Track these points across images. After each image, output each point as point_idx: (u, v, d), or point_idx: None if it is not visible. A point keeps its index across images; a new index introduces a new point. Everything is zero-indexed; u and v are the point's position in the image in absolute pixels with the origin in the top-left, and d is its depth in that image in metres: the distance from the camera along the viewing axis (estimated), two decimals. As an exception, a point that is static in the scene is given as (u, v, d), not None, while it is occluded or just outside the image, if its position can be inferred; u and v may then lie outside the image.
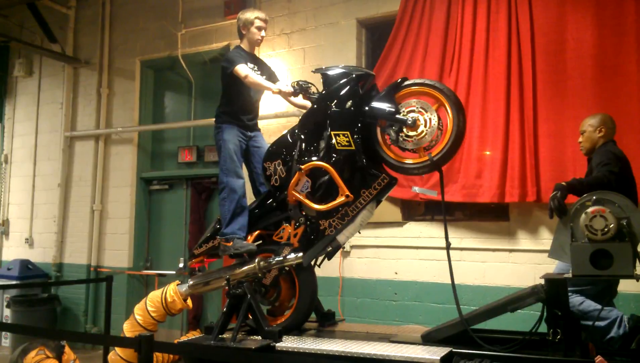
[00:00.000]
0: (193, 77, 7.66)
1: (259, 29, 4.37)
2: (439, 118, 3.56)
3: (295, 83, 4.00)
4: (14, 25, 8.88)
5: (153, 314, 4.29)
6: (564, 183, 3.42)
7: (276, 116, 6.47)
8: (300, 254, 3.82)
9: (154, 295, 4.38)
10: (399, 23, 5.90)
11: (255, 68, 4.35)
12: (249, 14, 4.38)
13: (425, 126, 3.53)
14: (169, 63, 7.89)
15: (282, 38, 6.79)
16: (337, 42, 6.43)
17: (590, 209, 3.06)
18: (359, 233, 3.92)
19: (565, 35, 5.15)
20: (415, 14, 5.83)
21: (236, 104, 4.28)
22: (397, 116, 3.55)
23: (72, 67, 8.48)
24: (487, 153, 5.34)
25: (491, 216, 5.64)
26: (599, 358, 2.85)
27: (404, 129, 3.56)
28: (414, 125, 3.53)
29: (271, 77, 4.46)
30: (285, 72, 6.58)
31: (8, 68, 9.16)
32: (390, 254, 5.90)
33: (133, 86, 8.03)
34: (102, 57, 8.27)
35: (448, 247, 3.56)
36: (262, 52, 6.75)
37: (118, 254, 7.82)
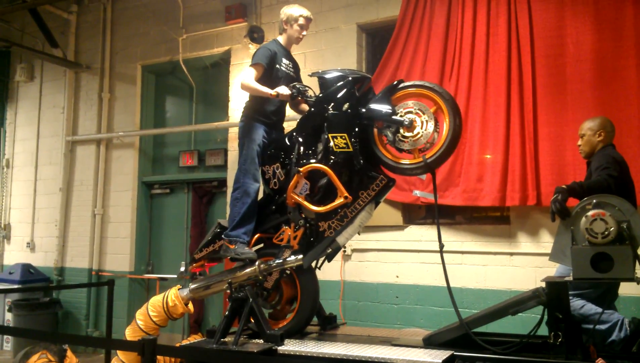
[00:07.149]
0: (194, 82, 7.69)
1: (302, 27, 4.27)
2: (436, 121, 3.58)
3: (292, 87, 3.98)
4: (15, 31, 8.91)
5: (155, 319, 4.30)
6: (564, 186, 3.44)
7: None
8: (300, 256, 3.83)
9: (156, 300, 4.39)
10: (399, 28, 5.93)
11: (290, 66, 4.32)
12: (294, 11, 4.25)
13: (421, 128, 3.55)
14: (170, 68, 7.93)
15: (283, 43, 6.80)
16: (338, 46, 6.45)
17: (590, 213, 3.08)
18: (359, 234, 3.94)
19: (564, 39, 5.17)
20: (415, 18, 5.85)
21: (264, 102, 4.17)
22: (394, 117, 3.57)
23: (74, 72, 8.51)
24: (488, 156, 5.35)
25: (492, 219, 5.66)
26: (600, 361, 2.85)
27: (401, 130, 3.58)
28: (410, 126, 3.55)
29: (299, 79, 4.41)
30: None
31: (10, 73, 9.19)
32: (391, 257, 5.92)
33: (134, 90, 8.06)
34: (103, 62, 8.29)
35: (441, 249, 3.58)
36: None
37: (119, 258, 7.83)
